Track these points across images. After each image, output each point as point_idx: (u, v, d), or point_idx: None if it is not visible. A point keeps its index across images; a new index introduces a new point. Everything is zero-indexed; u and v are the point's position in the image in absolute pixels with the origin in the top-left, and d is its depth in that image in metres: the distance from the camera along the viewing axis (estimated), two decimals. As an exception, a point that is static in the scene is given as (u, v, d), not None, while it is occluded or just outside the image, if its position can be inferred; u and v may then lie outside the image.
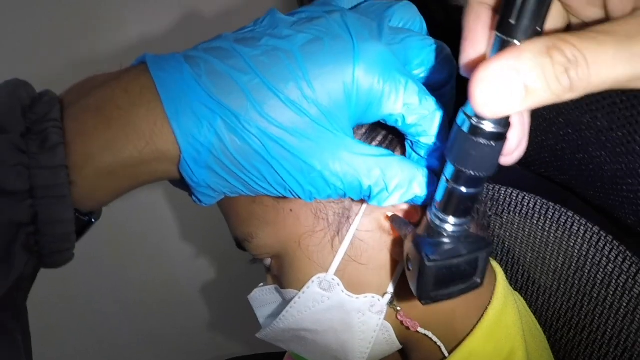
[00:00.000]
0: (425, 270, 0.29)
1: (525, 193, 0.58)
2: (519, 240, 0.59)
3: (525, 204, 0.58)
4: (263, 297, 0.47)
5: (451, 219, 0.30)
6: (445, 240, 0.31)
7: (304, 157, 0.31)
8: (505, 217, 0.60)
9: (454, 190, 0.29)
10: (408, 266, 0.32)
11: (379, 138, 0.39)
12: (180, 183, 0.34)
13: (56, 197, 0.28)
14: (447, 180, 0.29)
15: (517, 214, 0.59)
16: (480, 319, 0.44)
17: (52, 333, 1.08)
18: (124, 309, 1.19)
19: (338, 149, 0.31)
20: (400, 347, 0.45)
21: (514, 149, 0.28)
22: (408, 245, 0.32)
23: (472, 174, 0.27)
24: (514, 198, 0.59)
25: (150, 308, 1.21)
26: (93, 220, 0.34)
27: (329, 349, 0.43)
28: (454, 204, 0.30)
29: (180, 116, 0.30)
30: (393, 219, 0.38)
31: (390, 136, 0.39)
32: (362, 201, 0.38)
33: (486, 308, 0.44)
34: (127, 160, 0.30)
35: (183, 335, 1.28)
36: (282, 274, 0.42)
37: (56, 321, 1.08)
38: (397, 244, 0.40)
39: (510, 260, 0.61)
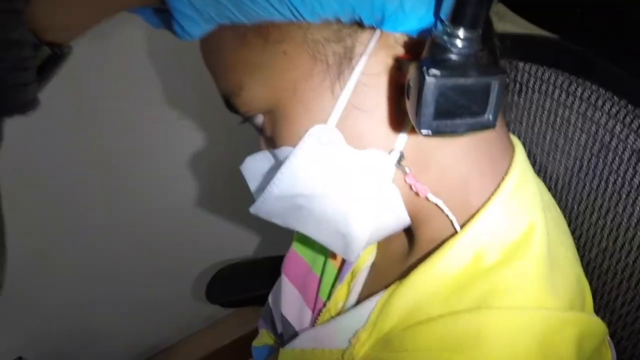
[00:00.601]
0: (425, 87, 0.25)
1: (544, 67, 0.52)
2: (537, 119, 0.54)
3: (546, 79, 0.52)
4: (256, 167, 0.42)
5: (461, 32, 0.26)
6: (453, 57, 0.26)
7: None
8: (524, 95, 0.55)
9: None
10: (408, 94, 0.28)
11: None
12: (161, 14, 0.30)
13: (8, 12, 0.24)
14: None
15: (537, 91, 0.53)
16: (496, 189, 0.39)
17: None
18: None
19: None
20: (408, 221, 0.41)
21: None
22: (410, 72, 0.28)
23: None
24: (533, 74, 0.53)
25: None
26: (57, 53, 0.30)
27: (329, 219, 0.39)
28: (463, 12, 0.25)
29: None
30: (401, 60, 0.33)
31: None
32: (369, 34, 0.33)
33: (503, 178, 0.40)
34: None
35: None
36: (275, 130, 0.37)
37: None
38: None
39: (527, 141, 0.56)
